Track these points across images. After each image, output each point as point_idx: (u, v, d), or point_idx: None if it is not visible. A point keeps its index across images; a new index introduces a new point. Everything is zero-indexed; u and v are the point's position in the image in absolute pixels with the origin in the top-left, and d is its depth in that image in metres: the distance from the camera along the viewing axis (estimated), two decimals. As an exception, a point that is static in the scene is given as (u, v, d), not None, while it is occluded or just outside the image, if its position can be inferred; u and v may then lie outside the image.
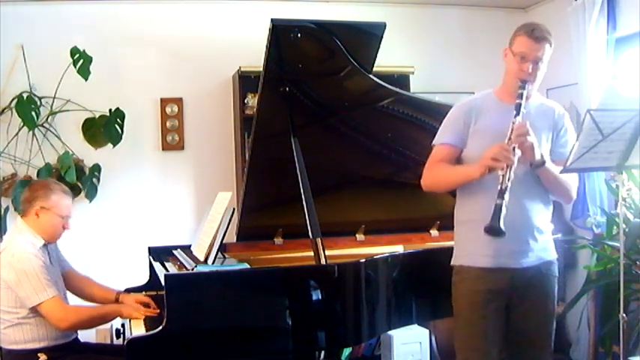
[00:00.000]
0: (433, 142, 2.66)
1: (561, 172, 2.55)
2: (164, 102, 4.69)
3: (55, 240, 3.03)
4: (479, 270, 2.53)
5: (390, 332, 3.84)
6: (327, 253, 2.80)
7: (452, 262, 2.65)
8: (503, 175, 2.36)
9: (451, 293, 2.64)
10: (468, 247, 2.58)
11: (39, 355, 2.82)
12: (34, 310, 2.82)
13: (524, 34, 2.52)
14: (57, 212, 2.95)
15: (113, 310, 3.03)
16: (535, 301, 2.55)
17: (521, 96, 2.47)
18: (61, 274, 3.07)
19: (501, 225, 2.32)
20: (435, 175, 2.63)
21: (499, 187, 2.35)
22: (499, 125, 2.49)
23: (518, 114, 2.44)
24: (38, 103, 4.31)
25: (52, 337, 2.87)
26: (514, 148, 2.38)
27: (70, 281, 3.14)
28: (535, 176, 2.53)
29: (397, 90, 3.22)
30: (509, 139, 2.40)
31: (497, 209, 2.33)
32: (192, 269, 2.84)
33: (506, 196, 2.34)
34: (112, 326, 3.23)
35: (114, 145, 4.39)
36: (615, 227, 3.69)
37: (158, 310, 3.00)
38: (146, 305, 3.04)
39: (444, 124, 2.67)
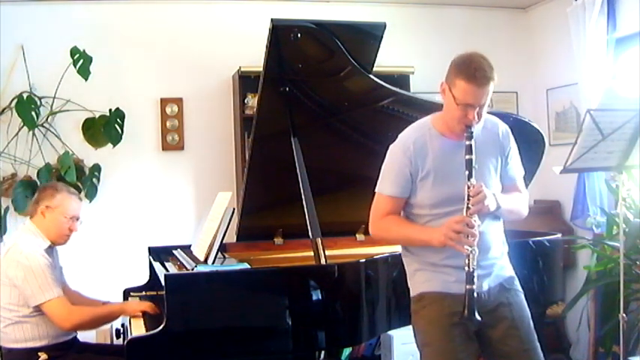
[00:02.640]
0: (377, 189, 2.46)
1: (561, 172, 2.54)
2: (164, 102, 4.69)
3: (60, 241, 3.03)
4: (441, 294, 2.36)
5: (390, 332, 3.84)
6: (327, 253, 2.80)
7: (411, 294, 2.47)
8: (468, 256, 2.22)
9: None
10: (427, 276, 2.41)
11: (39, 354, 2.83)
12: (36, 309, 2.83)
13: (465, 79, 2.24)
14: (62, 211, 2.96)
15: (117, 308, 3.04)
16: (511, 319, 2.40)
17: (470, 149, 2.27)
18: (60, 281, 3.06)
19: (476, 315, 2.22)
20: (385, 230, 2.45)
21: (466, 270, 2.22)
22: (448, 165, 2.34)
23: (471, 175, 2.26)
24: (38, 103, 4.31)
25: (52, 336, 2.88)
26: (475, 219, 2.22)
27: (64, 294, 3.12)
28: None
29: (397, 90, 3.22)
30: (467, 208, 2.23)
31: (470, 297, 2.22)
32: (192, 269, 2.84)
33: (475, 279, 2.22)
34: (112, 326, 3.23)
35: (114, 145, 4.40)
36: (615, 227, 3.69)
37: (158, 311, 3.01)
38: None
39: (386, 171, 2.44)
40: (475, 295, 2.23)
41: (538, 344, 2.42)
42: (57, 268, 3.03)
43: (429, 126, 2.43)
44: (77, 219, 3.05)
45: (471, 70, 2.25)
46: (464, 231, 2.21)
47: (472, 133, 2.28)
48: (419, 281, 2.44)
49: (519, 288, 2.48)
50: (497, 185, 2.44)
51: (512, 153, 2.48)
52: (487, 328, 2.37)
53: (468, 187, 2.25)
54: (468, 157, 2.27)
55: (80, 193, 4.40)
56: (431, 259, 2.39)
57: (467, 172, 2.26)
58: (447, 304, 2.35)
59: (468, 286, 2.22)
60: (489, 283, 2.39)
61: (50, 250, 2.97)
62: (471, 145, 2.27)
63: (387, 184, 2.43)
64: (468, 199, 2.24)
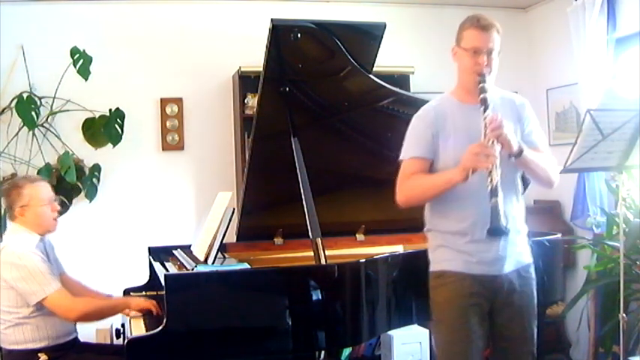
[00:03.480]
0: (400, 157, 2.52)
1: (561, 172, 2.54)
2: (164, 102, 4.69)
3: (51, 229, 3.02)
4: (461, 274, 2.43)
5: (390, 332, 3.84)
6: (327, 253, 2.80)
7: (431, 268, 2.54)
8: (490, 173, 2.27)
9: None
10: (449, 254, 2.48)
11: (39, 355, 2.83)
12: (36, 309, 2.83)
13: (471, 26, 2.47)
14: (37, 203, 2.94)
15: (122, 301, 3.05)
16: (518, 306, 2.47)
17: (484, 89, 2.39)
18: (58, 274, 3.06)
19: (503, 223, 2.27)
20: (410, 188, 2.47)
21: (489, 187, 2.27)
22: (468, 128, 2.42)
23: (487, 107, 2.36)
24: (38, 103, 4.30)
25: (52, 337, 2.88)
26: (493, 143, 2.30)
27: (64, 285, 3.08)
28: (508, 177, 2.42)
29: (397, 90, 3.22)
30: (485, 135, 2.32)
31: (495, 209, 2.26)
32: (192, 269, 2.84)
33: (500, 192, 2.27)
34: (112, 326, 3.23)
35: (114, 145, 4.39)
36: (615, 227, 3.69)
37: (160, 312, 3.01)
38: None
39: (409, 137, 2.53)
40: (500, 208, 2.26)
41: (535, 333, 2.53)
42: (52, 261, 3.02)
43: (448, 96, 2.57)
44: (54, 199, 3.04)
45: (474, 19, 2.48)
46: (482, 151, 2.27)
47: (484, 76, 2.40)
48: (440, 258, 2.51)
49: (533, 276, 2.55)
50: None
51: (530, 121, 2.56)
52: (497, 310, 2.46)
53: (484, 119, 2.34)
54: (482, 95, 2.38)
55: (80, 193, 4.41)
56: (454, 239, 2.46)
57: (482, 107, 2.36)
58: (467, 284, 2.42)
59: (492, 200, 2.27)
60: (508, 266, 2.46)
61: (41, 244, 2.96)
62: (483, 86, 2.39)
63: (409, 147, 2.52)
64: (485, 129, 2.32)
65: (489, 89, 2.42)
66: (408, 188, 2.48)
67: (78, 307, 2.86)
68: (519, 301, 2.47)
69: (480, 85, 2.40)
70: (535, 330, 2.52)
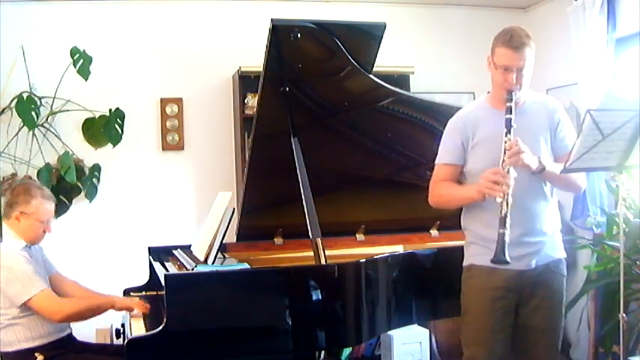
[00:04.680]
0: (435, 162, 2.71)
1: (561, 172, 2.55)
2: (164, 102, 4.69)
3: (36, 242, 3.02)
4: (489, 268, 2.53)
5: (390, 332, 3.84)
6: (327, 253, 2.80)
7: (463, 263, 2.69)
8: (501, 203, 2.38)
9: (453, 293, 2.68)
10: (479, 250, 2.61)
11: (36, 355, 2.82)
12: (25, 309, 2.82)
13: (503, 45, 2.50)
14: (37, 218, 2.94)
15: (107, 300, 3.02)
16: (543, 298, 2.57)
17: (510, 110, 2.48)
18: (47, 276, 3.04)
19: (506, 256, 2.35)
20: (439, 195, 2.68)
21: (500, 215, 2.38)
22: (497, 134, 2.50)
23: (509, 131, 2.45)
24: (38, 103, 4.30)
25: (45, 334, 2.87)
26: (509, 170, 2.40)
27: (56, 285, 3.09)
28: (536, 176, 2.54)
29: (397, 90, 3.22)
30: (503, 160, 2.42)
31: (501, 239, 2.37)
32: (192, 269, 2.84)
33: (508, 224, 2.37)
34: (111, 326, 3.23)
35: (114, 145, 4.39)
36: (615, 227, 3.69)
37: (149, 306, 3.01)
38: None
39: (443, 142, 2.70)
40: (507, 239, 2.36)
41: (562, 329, 2.64)
42: (40, 262, 3.02)
43: (482, 101, 2.71)
44: (51, 222, 3.03)
45: (507, 36, 2.50)
46: (497, 180, 2.38)
47: (512, 95, 2.48)
48: (471, 253, 2.66)
49: (564, 272, 2.65)
50: (548, 156, 2.58)
51: (563, 125, 2.65)
52: (523, 302, 2.58)
53: (505, 143, 2.43)
54: (507, 116, 2.46)
55: (80, 193, 4.41)
56: (480, 233, 2.59)
57: (505, 130, 2.45)
58: (494, 278, 2.54)
59: (500, 230, 2.37)
60: (537, 261, 2.55)
61: (28, 248, 2.96)
62: (510, 107, 2.47)
63: (442, 153, 2.68)
64: (504, 153, 2.42)
65: (518, 102, 2.53)
66: (436, 194, 2.68)
67: (63, 309, 2.85)
68: (545, 293, 2.57)
69: (507, 104, 2.48)
70: (561, 325, 2.62)
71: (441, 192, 2.67)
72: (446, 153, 2.66)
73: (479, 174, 2.50)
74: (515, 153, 2.41)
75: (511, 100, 2.49)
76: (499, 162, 2.43)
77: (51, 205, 3.03)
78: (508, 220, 2.37)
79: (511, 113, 2.47)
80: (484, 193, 2.43)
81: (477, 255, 2.62)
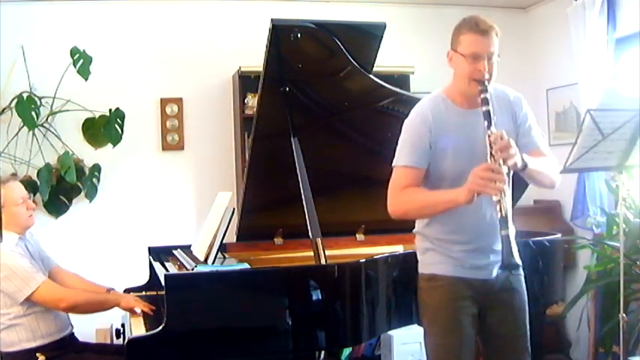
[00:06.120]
0: (394, 163, 2.41)
1: (561, 172, 2.53)
2: (164, 102, 4.69)
3: (28, 225, 3.01)
4: (453, 279, 2.40)
5: (390, 332, 3.84)
6: (327, 253, 2.80)
7: (420, 270, 2.50)
8: (499, 202, 2.16)
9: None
10: (440, 258, 2.43)
11: (37, 355, 2.82)
12: (27, 306, 2.82)
13: (469, 31, 2.30)
14: (11, 203, 2.93)
15: (113, 298, 3.04)
16: (511, 303, 2.45)
17: (486, 101, 2.25)
18: (45, 271, 3.04)
19: (516, 258, 2.19)
20: (406, 202, 2.37)
21: (499, 215, 2.17)
22: (466, 136, 2.34)
23: (490, 124, 2.23)
24: (38, 103, 4.30)
25: (46, 335, 2.87)
26: (500, 165, 2.17)
27: (57, 278, 3.09)
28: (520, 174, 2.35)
29: (397, 90, 3.22)
30: (491, 155, 2.19)
31: (506, 242, 2.18)
32: (193, 269, 2.84)
33: (510, 223, 2.19)
34: (111, 326, 3.24)
35: (114, 145, 4.39)
36: (615, 227, 3.69)
37: (154, 307, 3.01)
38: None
39: (403, 142, 2.39)
40: (512, 239, 2.18)
41: (528, 330, 2.48)
42: (37, 256, 3.02)
43: (443, 97, 2.42)
44: (27, 197, 3.03)
45: (472, 22, 2.32)
46: (490, 177, 2.15)
47: (486, 85, 2.26)
48: (431, 262, 2.46)
49: (522, 273, 2.51)
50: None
51: (528, 117, 2.46)
52: (487, 310, 2.43)
53: (489, 137, 2.21)
54: (485, 108, 2.25)
55: (80, 193, 4.42)
56: (445, 245, 2.41)
57: (486, 122, 2.23)
58: (458, 288, 2.39)
59: (503, 232, 2.18)
60: (499, 271, 2.41)
61: (22, 241, 2.96)
62: (486, 97, 2.26)
63: (405, 154, 2.38)
64: (491, 148, 2.20)
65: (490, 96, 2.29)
66: (403, 202, 2.38)
67: (68, 297, 2.87)
68: (511, 298, 2.45)
69: (482, 95, 2.26)
70: (528, 327, 2.49)
71: (411, 199, 2.36)
72: (410, 154, 2.36)
73: (453, 178, 2.32)
74: (505, 147, 2.17)
75: (485, 90, 2.26)
76: (483, 158, 2.20)
77: (16, 185, 3.02)
78: (509, 219, 2.19)
79: (488, 104, 2.25)
80: (476, 192, 2.17)
81: (438, 264, 2.43)
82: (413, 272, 2.89)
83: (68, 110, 4.39)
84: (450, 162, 2.35)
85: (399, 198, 2.38)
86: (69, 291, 2.93)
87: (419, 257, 2.53)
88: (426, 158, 2.36)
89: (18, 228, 2.95)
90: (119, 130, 4.38)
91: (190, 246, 3.31)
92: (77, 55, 4.20)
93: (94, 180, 4.45)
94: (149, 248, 3.46)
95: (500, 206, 2.17)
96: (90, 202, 4.44)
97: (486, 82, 2.28)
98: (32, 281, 2.80)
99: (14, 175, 4.29)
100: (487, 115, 2.24)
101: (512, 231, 2.25)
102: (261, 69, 2.91)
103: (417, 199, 2.37)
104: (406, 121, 2.43)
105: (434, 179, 2.39)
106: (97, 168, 4.46)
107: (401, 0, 4.95)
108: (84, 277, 3.26)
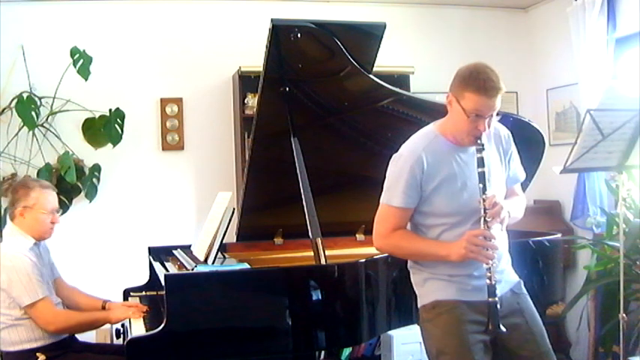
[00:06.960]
0: (383, 200, 2.36)
1: (561, 172, 2.54)
2: (164, 102, 4.69)
3: (46, 236, 3.02)
4: (458, 302, 2.32)
5: (390, 332, 3.84)
6: (327, 253, 2.80)
7: (421, 302, 2.40)
8: (489, 269, 2.21)
9: None
10: (440, 284, 2.36)
11: (37, 355, 2.83)
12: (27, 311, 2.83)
13: (477, 91, 2.19)
14: (40, 208, 2.94)
15: (103, 316, 3.05)
16: (525, 324, 2.38)
17: (481, 163, 2.24)
18: (50, 279, 3.05)
19: (501, 326, 2.23)
20: (396, 248, 2.39)
21: (487, 282, 2.21)
22: (459, 172, 2.31)
23: (485, 188, 2.23)
24: (38, 103, 4.30)
25: (47, 336, 2.87)
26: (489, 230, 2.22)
27: (57, 289, 3.11)
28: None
29: (397, 90, 3.22)
30: (485, 221, 2.22)
31: (493, 310, 2.21)
32: (192, 269, 2.84)
33: (498, 291, 2.23)
34: (111, 326, 3.23)
35: (114, 145, 4.39)
36: (615, 227, 3.69)
37: (146, 307, 3.02)
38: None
39: (394, 181, 2.33)
40: (499, 307, 2.23)
41: (550, 347, 2.41)
42: (45, 266, 3.02)
43: (436, 133, 2.37)
44: (57, 211, 3.04)
45: (480, 81, 2.20)
46: (484, 244, 2.21)
47: (483, 145, 2.25)
48: (431, 289, 2.38)
49: (525, 291, 2.47)
50: (504, 189, 2.42)
51: (514, 156, 2.47)
52: (503, 336, 2.31)
53: (483, 200, 2.23)
54: (480, 170, 2.24)
55: (80, 193, 4.41)
56: (443, 270, 2.34)
57: (480, 186, 2.23)
58: (464, 311, 2.31)
59: (490, 299, 2.21)
60: (501, 290, 2.34)
61: (36, 247, 2.96)
62: (482, 158, 2.24)
63: (396, 194, 2.32)
64: (485, 212, 2.22)
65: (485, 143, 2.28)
66: (393, 246, 2.38)
67: (57, 321, 2.87)
68: (524, 319, 2.38)
69: (478, 155, 2.24)
70: (549, 345, 2.41)
71: (401, 244, 2.36)
72: (403, 195, 2.30)
73: (446, 215, 2.31)
74: (497, 213, 2.22)
75: (482, 149, 2.24)
76: (475, 193, 2.24)
77: (52, 195, 3.02)
78: (498, 287, 2.23)
79: (484, 166, 2.23)
80: (468, 257, 2.21)
81: (440, 290, 2.34)
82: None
83: (68, 110, 4.39)
84: (445, 198, 2.32)
85: (389, 241, 2.37)
86: (59, 315, 2.92)
87: (418, 290, 2.44)
88: (418, 198, 2.32)
89: (36, 234, 2.96)
90: (119, 130, 4.38)
91: (190, 246, 3.31)
92: (77, 55, 4.20)
93: (94, 180, 4.45)
94: (149, 248, 3.46)
95: (491, 274, 2.21)
96: (90, 202, 4.44)
97: (483, 141, 2.26)
98: (32, 294, 2.80)
99: (14, 174, 4.32)
100: (482, 178, 2.24)
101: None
102: (261, 69, 2.91)
103: (406, 246, 2.37)
104: (398, 159, 2.36)
105: (429, 214, 2.36)
106: (97, 168, 4.46)
107: (401, 0, 4.95)
108: (82, 289, 3.27)
